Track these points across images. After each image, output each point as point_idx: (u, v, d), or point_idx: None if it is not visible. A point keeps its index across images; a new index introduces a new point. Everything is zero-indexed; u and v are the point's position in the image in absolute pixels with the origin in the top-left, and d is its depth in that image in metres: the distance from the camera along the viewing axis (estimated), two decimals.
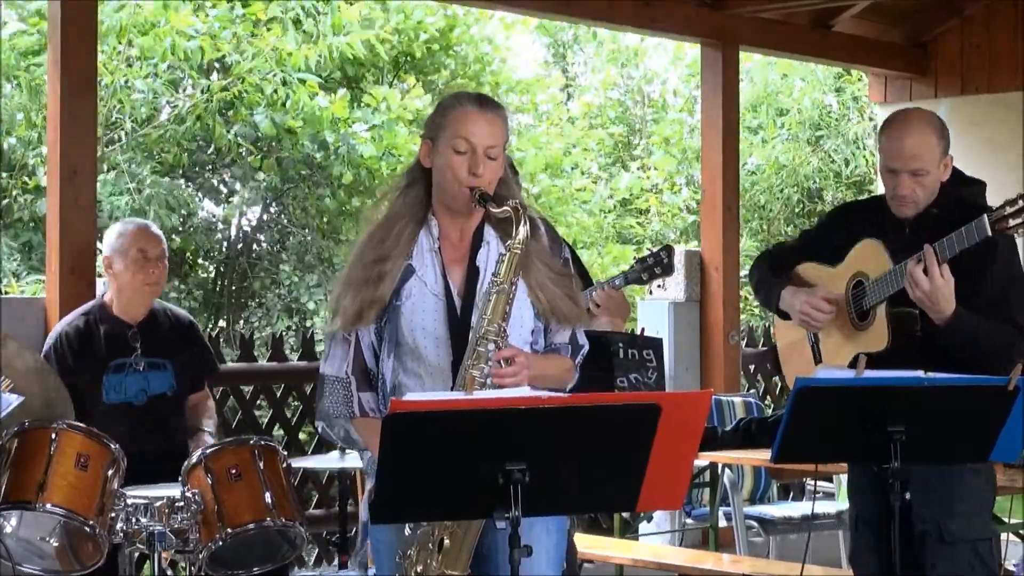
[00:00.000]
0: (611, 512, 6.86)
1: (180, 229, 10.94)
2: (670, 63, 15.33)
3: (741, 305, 8.70)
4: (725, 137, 8.08)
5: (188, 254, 11.43)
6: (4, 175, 9.94)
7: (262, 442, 4.79)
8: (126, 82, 10.03)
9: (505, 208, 3.49)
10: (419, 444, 3.03)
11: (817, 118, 14.13)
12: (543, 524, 3.52)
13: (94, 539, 4.48)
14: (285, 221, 11.83)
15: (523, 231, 3.48)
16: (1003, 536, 4.52)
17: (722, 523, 6.96)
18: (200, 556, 4.55)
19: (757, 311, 13.27)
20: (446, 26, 11.82)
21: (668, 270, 5.32)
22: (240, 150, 10.75)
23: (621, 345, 5.38)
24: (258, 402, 7.19)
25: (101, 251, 5.46)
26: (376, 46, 10.71)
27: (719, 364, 8.04)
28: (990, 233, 3.88)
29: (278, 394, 7.26)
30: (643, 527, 7.70)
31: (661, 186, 14.41)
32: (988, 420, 3.73)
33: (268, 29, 10.57)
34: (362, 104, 11.21)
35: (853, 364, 3.99)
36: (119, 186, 10.02)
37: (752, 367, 8.80)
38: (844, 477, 6.49)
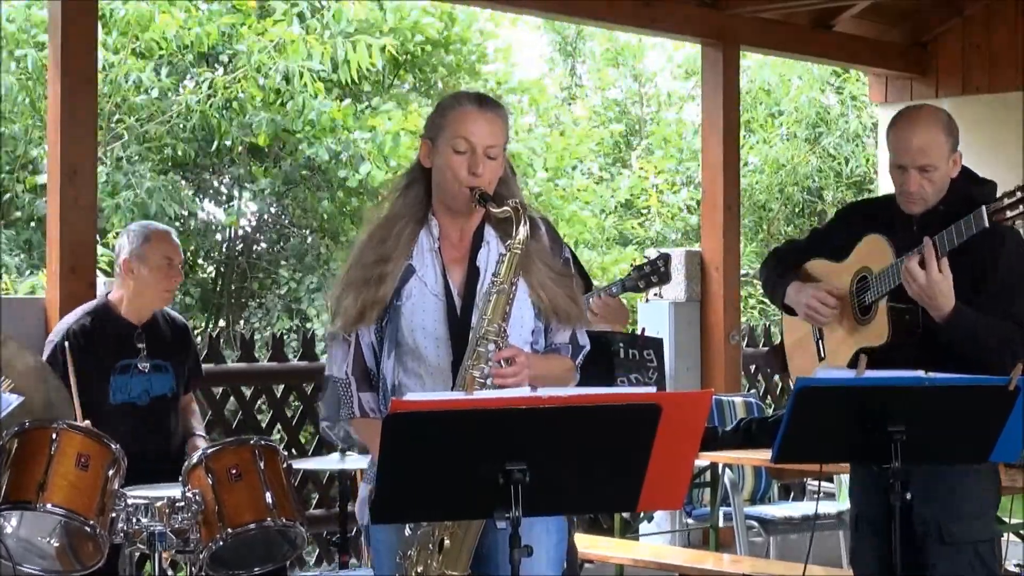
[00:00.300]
0: (611, 512, 6.86)
1: (180, 229, 10.95)
2: (667, 60, 15.35)
3: (742, 305, 8.70)
4: (725, 137, 8.08)
5: (188, 254, 11.44)
6: (5, 172, 9.94)
7: (263, 442, 4.79)
8: (127, 77, 10.05)
9: (505, 208, 3.49)
10: (419, 444, 3.03)
11: (815, 116, 14.14)
12: (543, 524, 3.52)
13: (94, 539, 4.48)
14: (286, 221, 11.83)
15: (523, 231, 3.47)
16: (1004, 536, 4.52)
17: (722, 523, 6.96)
18: (201, 556, 4.55)
19: (758, 311, 13.28)
20: (443, 26, 11.80)
21: (665, 278, 5.33)
22: (240, 150, 10.75)
23: (622, 345, 5.39)
24: (259, 402, 7.19)
25: (115, 251, 5.45)
26: (374, 52, 10.70)
27: (720, 364, 8.04)
28: (987, 224, 3.89)
29: (278, 394, 7.26)
30: (643, 527, 7.70)
31: (661, 186, 14.41)
32: (988, 420, 3.73)
33: (271, 20, 10.59)
34: (363, 113, 11.20)
35: (854, 363, 4.00)
36: (118, 182, 10.03)
37: (753, 367, 8.80)
38: (845, 477, 6.50)
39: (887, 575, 3.94)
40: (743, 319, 9.24)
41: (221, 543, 4.56)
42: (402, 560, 3.46)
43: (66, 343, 5.11)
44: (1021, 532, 6.23)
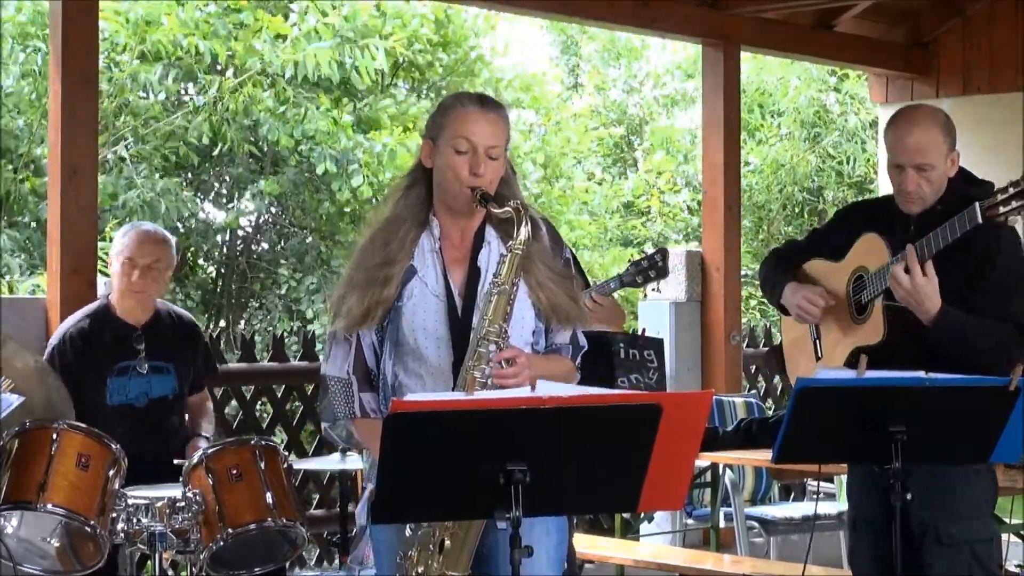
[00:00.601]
0: (612, 512, 6.86)
1: (181, 230, 10.95)
2: (667, 60, 15.35)
3: (742, 305, 8.70)
4: (726, 137, 8.08)
5: (188, 255, 11.44)
6: (8, 172, 9.93)
7: (263, 442, 4.79)
8: (135, 78, 10.07)
9: (506, 208, 3.49)
10: (420, 444, 3.03)
11: (813, 116, 14.13)
12: (544, 524, 3.52)
13: (95, 539, 4.48)
14: (286, 222, 11.83)
15: (524, 232, 3.47)
16: (1004, 537, 4.52)
17: (723, 524, 6.96)
18: (201, 556, 4.55)
19: (758, 311, 13.28)
20: (440, 27, 11.78)
21: (662, 273, 5.33)
22: (242, 154, 10.75)
23: (622, 345, 5.38)
24: (259, 403, 7.19)
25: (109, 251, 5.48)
26: (378, 55, 10.71)
27: (720, 364, 8.04)
28: (981, 220, 3.90)
29: (279, 394, 7.26)
30: (644, 527, 7.70)
31: (662, 187, 14.42)
32: (989, 421, 3.73)
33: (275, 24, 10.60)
34: (363, 115, 11.20)
35: (852, 363, 4.00)
36: (121, 183, 10.04)
37: (753, 367, 8.80)
38: (845, 478, 6.49)
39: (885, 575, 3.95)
40: (744, 319, 9.24)
41: (221, 543, 4.55)
42: (403, 560, 3.46)
43: (56, 351, 5.18)
44: (1021, 532, 6.23)
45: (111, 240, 5.61)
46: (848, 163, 14.09)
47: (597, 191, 13.96)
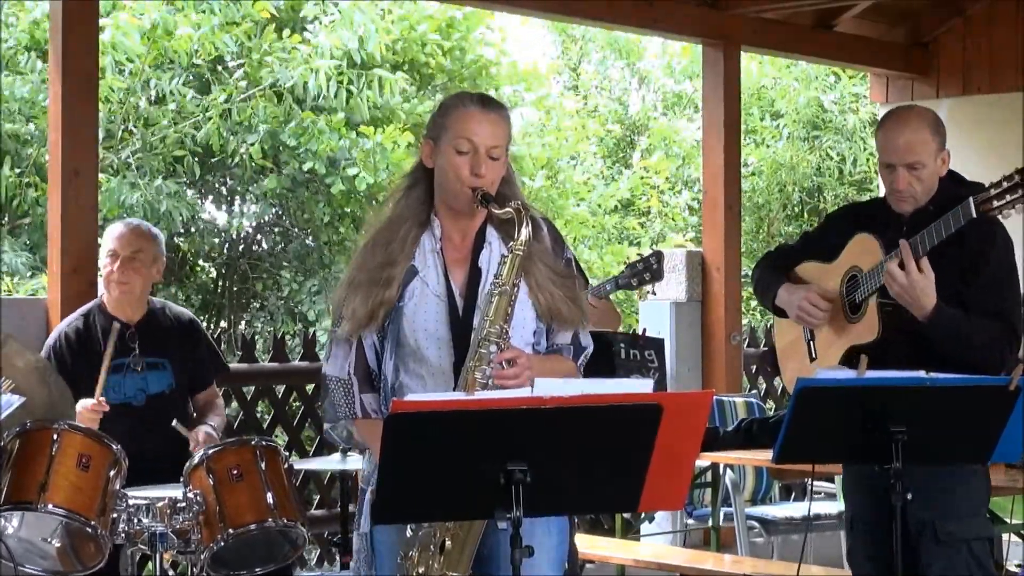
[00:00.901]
0: (612, 512, 6.86)
1: (182, 231, 10.95)
2: (667, 61, 15.34)
3: (743, 305, 8.69)
4: (726, 137, 8.08)
5: (189, 256, 11.44)
6: (15, 174, 9.92)
7: (264, 442, 4.79)
8: (148, 84, 10.08)
9: (507, 209, 3.49)
10: (420, 444, 3.03)
11: (812, 115, 14.13)
12: (544, 525, 3.52)
13: (96, 540, 4.48)
14: (287, 223, 11.83)
15: (525, 232, 3.48)
16: (1004, 537, 4.53)
17: (723, 524, 6.96)
18: (202, 556, 4.55)
19: (759, 311, 13.28)
20: (444, 28, 11.78)
21: (658, 275, 5.33)
22: (243, 156, 10.75)
23: (623, 345, 5.39)
24: (259, 403, 7.19)
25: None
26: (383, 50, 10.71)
27: (720, 364, 8.04)
28: (975, 214, 3.91)
29: (280, 395, 7.26)
30: (644, 527, 7.70)
31: (661, 186, 14.41)
32: (989, 420, 3.74)
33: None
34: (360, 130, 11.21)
35: (851, 363, 4.00)
36: (122, 187, 10.04)
37: (753, 367, 8.80)
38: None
39: (884, 575, 3.95)
40: (744, 319, 9.23)
41: (222, 543, 4.56)
42: (403, 561, 3.46)
43: (52, 351, 5.20)
44: (1022, 532, 6.23)
45: None
46: (847, 163, 14.09)
47: (597, 186, 13.92)
